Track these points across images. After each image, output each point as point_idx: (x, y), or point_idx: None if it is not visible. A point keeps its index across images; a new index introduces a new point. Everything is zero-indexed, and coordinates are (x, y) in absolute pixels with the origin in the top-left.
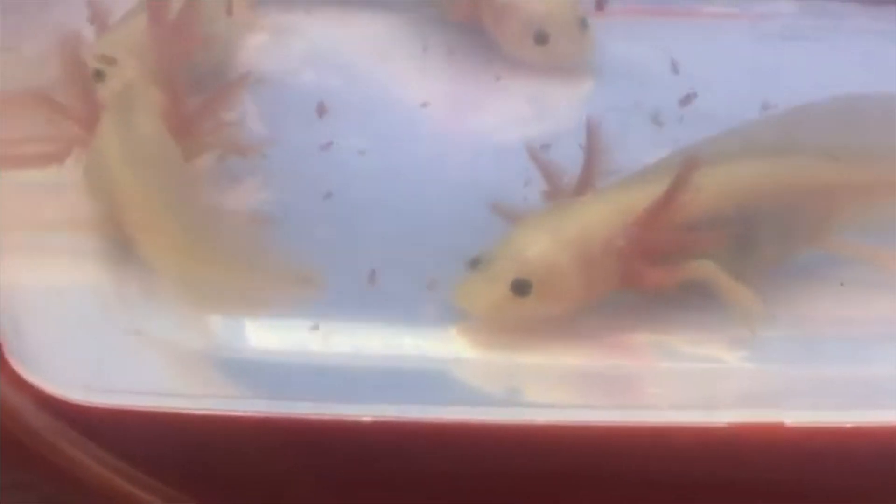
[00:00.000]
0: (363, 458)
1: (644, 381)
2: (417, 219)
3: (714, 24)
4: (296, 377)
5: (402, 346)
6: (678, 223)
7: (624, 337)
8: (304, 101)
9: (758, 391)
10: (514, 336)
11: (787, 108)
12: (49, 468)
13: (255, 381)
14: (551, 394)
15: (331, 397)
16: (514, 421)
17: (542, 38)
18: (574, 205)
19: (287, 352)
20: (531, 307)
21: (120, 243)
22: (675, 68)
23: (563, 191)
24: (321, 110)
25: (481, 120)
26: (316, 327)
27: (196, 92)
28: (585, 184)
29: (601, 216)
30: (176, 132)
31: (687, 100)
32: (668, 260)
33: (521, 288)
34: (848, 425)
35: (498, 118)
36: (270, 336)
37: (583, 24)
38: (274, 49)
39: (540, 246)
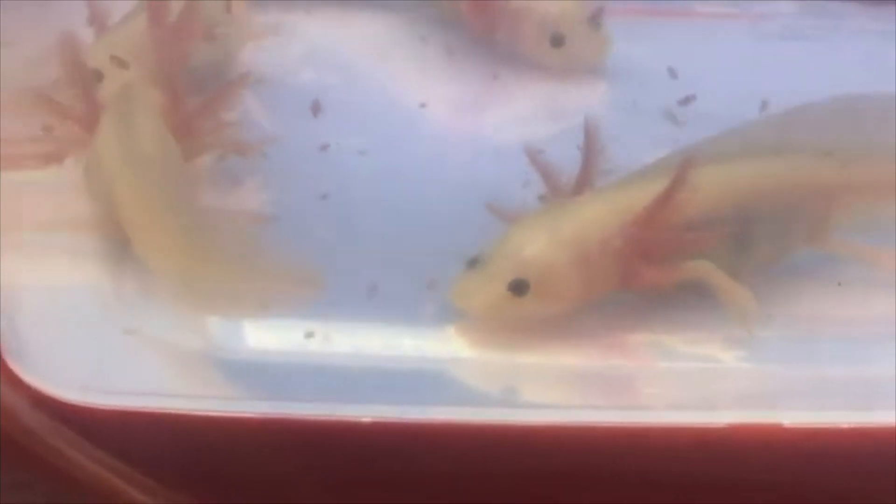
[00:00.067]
0: (362, 459)
1: (641, 381)
2: (417, 219)
3: (714, 24)
4: (294, 378)
5: (402, 347)
6: (676, 223)
7: (621, 337)
8: (304, 101)
9: (755, 391)
10: (511, 336)
11: (786, 108)
12: (47, 468)
13: (254, 381)
14: (549, 394)
15: (330, 398)
16: (512, 421)
17: (558, 41)
18: (572, 204)
19: (286, 352)
20: (529, 307)
21: (119, 243)
22: (672, 74)
23: (562, 191)
24: (315, 108)
25: (480, 120)
26: (311, 335)
27: (196, 92)
28: (583, 184)
29: (599, 216)
30: (176, 132)
31: (686, 101)
32: (666, 260)
33: (518, 288)
34: (846, 426)
35: (497, 118)
36: (269, 336)
37: (597, 23)
38: (274, 49)
39: (537, 246)
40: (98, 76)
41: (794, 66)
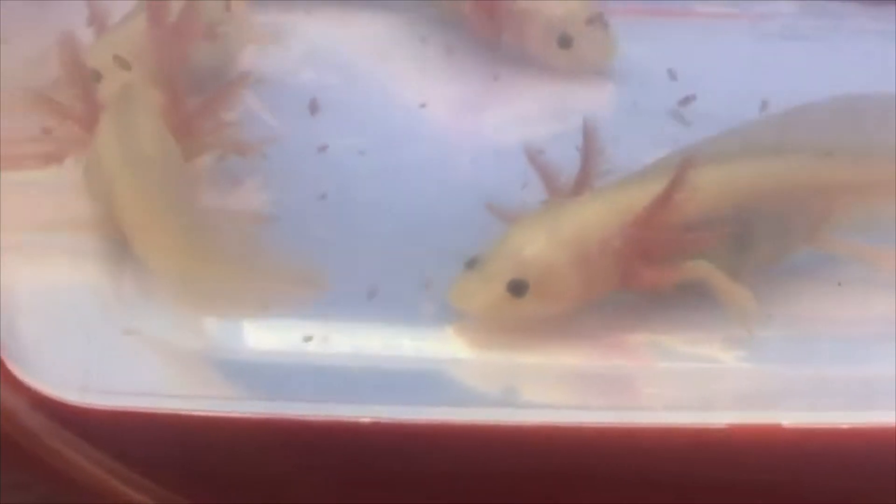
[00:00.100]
0: (361, 459)
1: (641, 382)
2: (416, 219)
3: (714, 24)
4: (294, 378)
5: (401, 347)
6: (675, 223)
7: (621, 337)
8: (304, 101)
9: (755, 391)
10: (511, 336)
11: (786, 108)
12: (46, 469)
13: (254, 381)
14: (548, 394)
15: (329, 398)
16: (511, 422)
17: (566, 42)
18: (571, 205)
19: (285, 353)
20: (528, 307)
21: (119, 244)
22: (672, 76)
23: (561, 192)
24: (314, 107)
25: (480, 120)
26: (309, 339)
27: (196, 92)
28: (582, 185)
29: (598, 216)
30: (176, 132)
31: (686, 101)
32: (666, 260)
33: (517, 288)
34: (845, 426)
35: (497, 118)
36: (269, 337)
37: (603, 23)
38: (274, 49)
39: (536, 246)
40: (96, 76)
41: (794, 66)
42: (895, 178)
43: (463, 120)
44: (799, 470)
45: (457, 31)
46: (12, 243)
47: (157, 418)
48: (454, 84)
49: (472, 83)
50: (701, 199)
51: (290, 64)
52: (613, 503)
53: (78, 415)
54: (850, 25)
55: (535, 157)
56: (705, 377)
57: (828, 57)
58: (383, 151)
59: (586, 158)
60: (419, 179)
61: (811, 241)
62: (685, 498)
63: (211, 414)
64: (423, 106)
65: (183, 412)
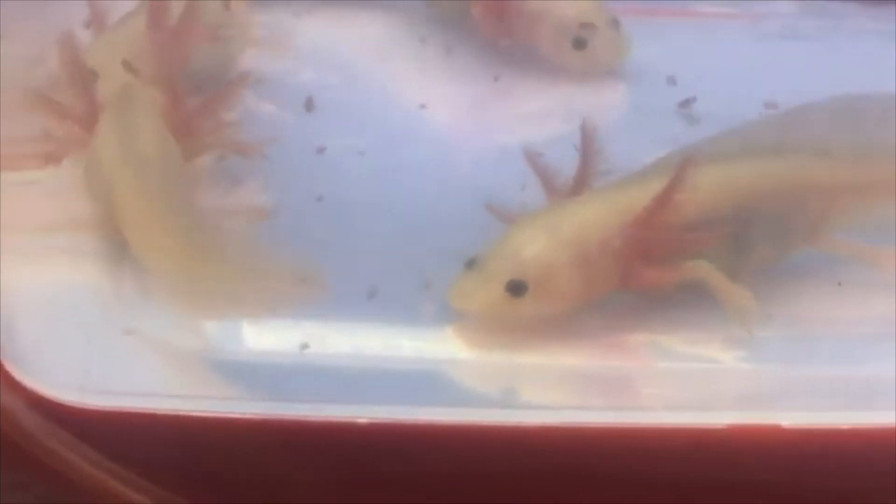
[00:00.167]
0: (360, 460)
1: (641, 382)
2: (416, 219)
3: (714, 24)
4: (293, 378)
5: (400, 347)
6: (675, 223)
7: (621, 337)
8: (304, 102)
9: (754, 391)
10: (510, 336)
11: (786, 108)
12: (44, 470)
13: (252, 382)
14: (548, 394)
15: (328, 398)
16: (511, 422)
17: (580, 43)
18: (571, 205)
19: (284, 353)
20: (527, 307)
21: (118, 244)
22: (671, 81)
23: (560, 193)
24: (309, 105)
25: (480, 121)
26: (306, 346)
27: (196, 92)
28: (581, 185)
29: (598, 216)
30: (176, 132)
31: (686, 102)
32: (666, 260)
33: (516, 288)
34: (845, 426)
35: (497, 119)
36: (268, 337)
37: (615, 24)
38: (273, 51)
39: (536, 246)
40: (94, 76)
41: (794, 66)
42: (895, 178)
43: (463, 120)
44: (799, 470)
45: (457, 31)
46: (12, 243)
47: (157, 419)
48: (454, 84)
49: (471, 84)
50: (701, 199)
51: (290, 64)
52: (613, 503)
53: (77, 415)
54: (850, 25)
55: (533, 158)
56: (705, 377)
57: (828, 57)
58: (383, 152)
59: (584, 158)
60: (419, 180)
61: (811, 241)
62: (685, 498)
63: (210, 414)
64: (422, 106)
65: (182, 412)
